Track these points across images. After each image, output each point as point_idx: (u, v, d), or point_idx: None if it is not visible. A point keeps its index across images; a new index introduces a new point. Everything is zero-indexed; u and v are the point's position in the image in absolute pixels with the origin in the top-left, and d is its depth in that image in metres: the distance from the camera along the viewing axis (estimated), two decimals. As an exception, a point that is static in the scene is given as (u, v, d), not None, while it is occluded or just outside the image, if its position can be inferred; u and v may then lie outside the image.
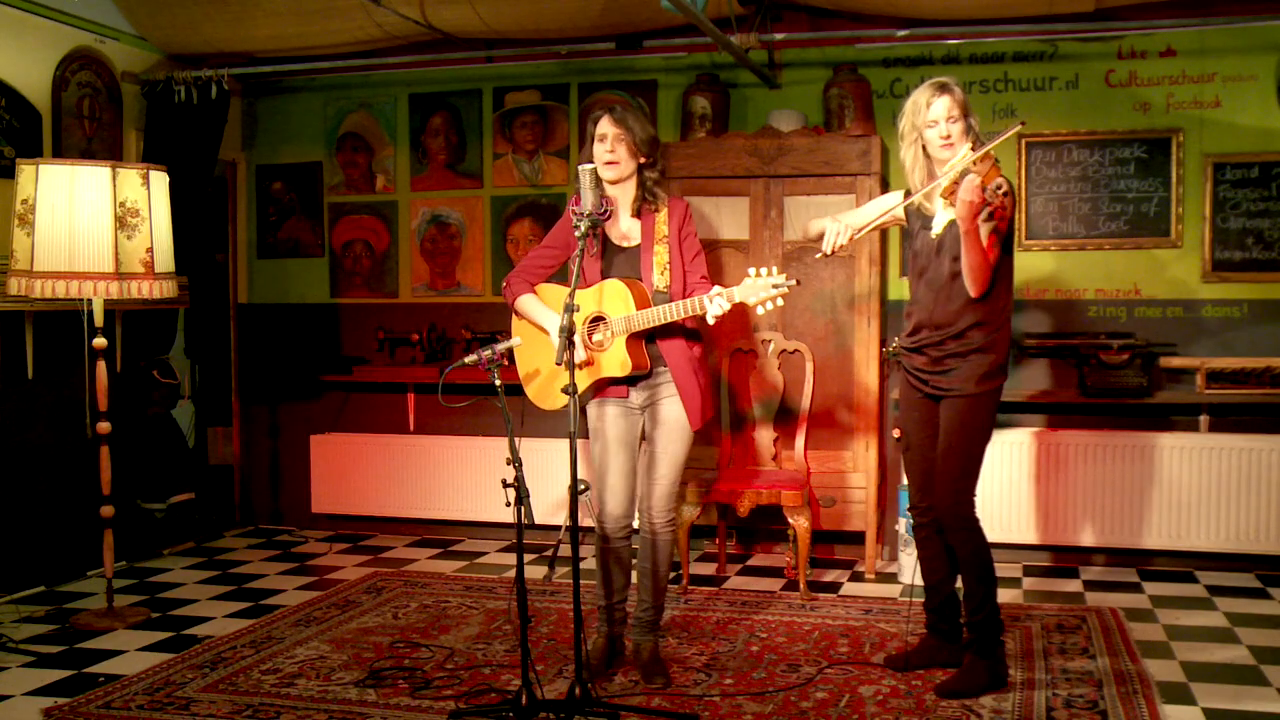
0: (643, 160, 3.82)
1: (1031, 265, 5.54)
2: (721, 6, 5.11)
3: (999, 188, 3.43)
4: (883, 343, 5.42)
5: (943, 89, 3.63)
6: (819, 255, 3.80)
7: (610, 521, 3.87)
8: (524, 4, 5.33)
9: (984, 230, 3.51)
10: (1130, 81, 5.44)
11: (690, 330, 3.83)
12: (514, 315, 3.97)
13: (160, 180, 4.71)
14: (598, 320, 3.74)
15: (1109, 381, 5.26)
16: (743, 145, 5.37)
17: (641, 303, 3.71)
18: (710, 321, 3.62)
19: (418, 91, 6.34)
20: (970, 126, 3.64)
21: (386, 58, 6.01)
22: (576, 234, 3.54)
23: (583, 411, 3.84)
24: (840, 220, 3.82)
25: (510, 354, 3.68)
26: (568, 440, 3.42)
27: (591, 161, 3.78)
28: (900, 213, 3.88)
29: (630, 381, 3.83)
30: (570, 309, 3.44)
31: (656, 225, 3.83)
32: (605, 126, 3.78)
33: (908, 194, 3.82)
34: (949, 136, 3.60)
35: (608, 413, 3.84)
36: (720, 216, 5.43)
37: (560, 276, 3.96)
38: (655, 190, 3.85)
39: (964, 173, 3.46)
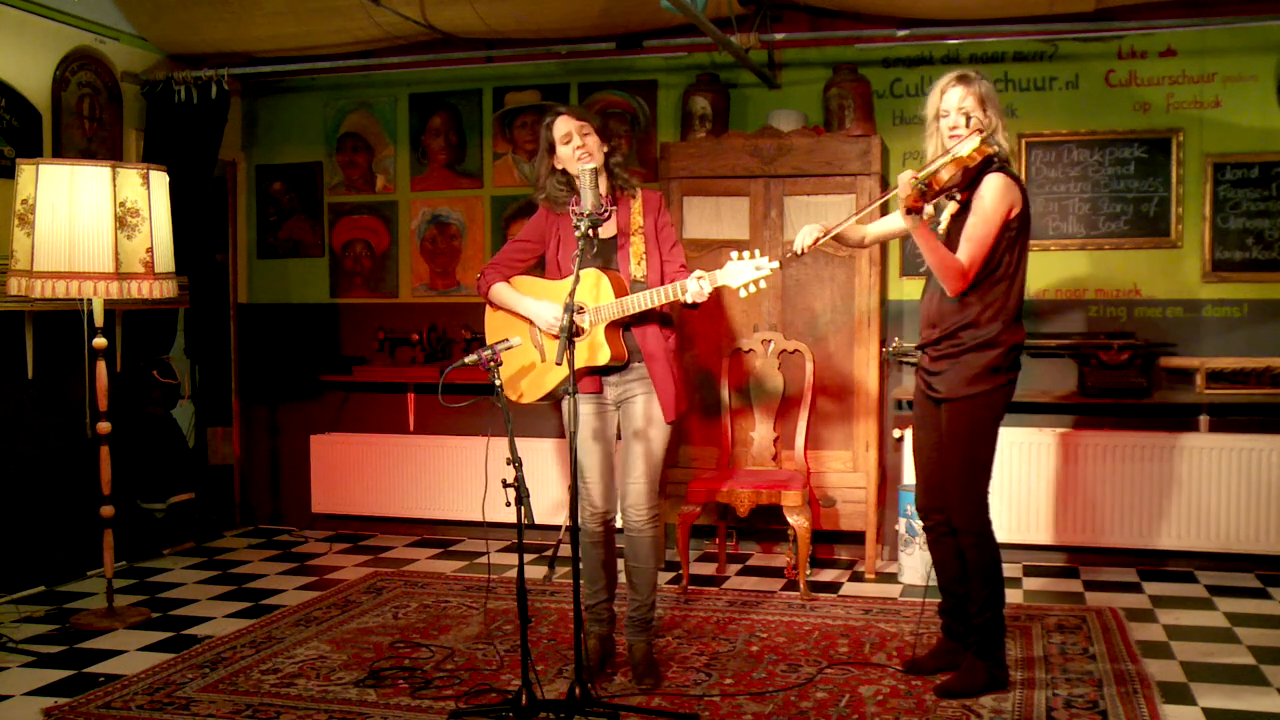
0: (606, 148, 3.84)
1: (1031, 265, 5.48)
2: (721, 6, 5.11)
3: (918, 183, 3.47)
4: (883, 343, 5.42)
5: (961, 80, 3.60)
6: (789, 255, 3.81)
7: (590, 516, 3.87)
8: (524, 4, 5.33)
9: (979, 230, 3.53)
10: (1130, 81, 5.44)
11: (665, 320, 3.85)
12: (488, 307, 3.98)
13: (160, 180, 4.71)
14: (577, 310, 3.74)
15: (1109, 381, 5.26)
16: (743, 145, 5.37)
17: (619, 292, 3.73)
18: (687, 300, 3.63)
19: (418, 91, 6.34)
20: (984, 121, 3.57)
21: (386, 58, 6.01)
22: (576, 234, 3.53)
23: (556, 405, 3.85)
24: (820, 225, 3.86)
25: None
26: (567, 440, 3.43)
27: (549, 175, 3.80)
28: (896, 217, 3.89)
29: (606, 372, 3.83)
30: (570, 309, 3.44)
31: (632, 217, 3.85)
32: (565, 124, 3.80)
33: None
34: (957, 128, 3.58)
35: (581, 409, 3.83)
36: (720, 216, 5.43)
37: (535, 270, 3.98)
38: (624, 175, 3.88)
39: (938, 170, 3.48)
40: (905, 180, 3.51)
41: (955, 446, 3.68)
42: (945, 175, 3.50)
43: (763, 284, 3.62)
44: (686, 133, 5.66)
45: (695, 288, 3.61)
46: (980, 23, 5.27)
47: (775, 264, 3.62)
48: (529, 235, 3.98)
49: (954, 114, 3.59)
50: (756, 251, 3.61)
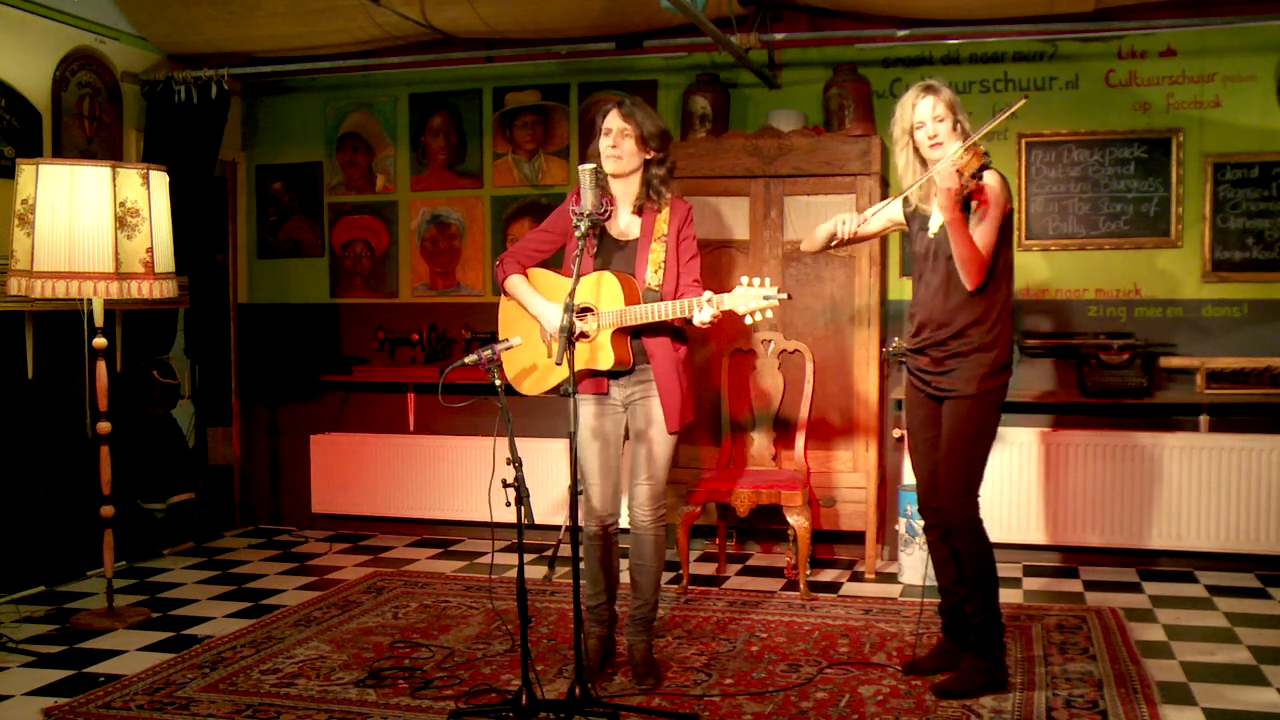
0: (649, 156, 3.80)
1: (1031, 265, 5.54)
2: (721, 6, 5.11)
3: (975, 175, 3.47)
4: (882, 343, 5.42)
5: (928, 90, 3.66)
6: (834, 244, 3.87)
7: (590, 518, 3.86)
8: (524, 4, 5.33)
9: (974, 222, 3.54)
10: (1130, 81, 5.44)
11: (676, 331, 3.82)
12: (503, 295, 3.97)
13: (160, 180, 4.71)
14: (586, 311, 3.73)
15: (1109, 381, 5.26)
16: (743, 145, 5.37)
17: (631, 299, 3.70)
18: (697, 324, 3.61)
19: (418, 91, 6.34)
20: (959, 125, 3.64)
21: (386, 58, 6.01)
22: (576, 234, 3.53)
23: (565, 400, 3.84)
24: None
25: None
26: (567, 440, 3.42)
27: (598, 157, 3.78)
28: (899, 217, 3.90)
29: (612, 376, 3.82)
30: (570, 309, 3.44)
31: (656, 224, 3.81)
32: (612, 120, 3.77)
33: (908, 200, 3.83)
34: (936, 136, 3.63)
35: (586, 409, 3.83)
36: (721, 216, 5.44)
37: (554, 263, 3.97)
38: (660, 189, 3.82)
39: (969, 158, 3.49)
40: (949, 170, 3.46)
41: (961, 441, 3.69)
42: (974, 165, 3.51)
43: (769, 314, 3.57)
44: (687, 133, 5.66)
45: (704, 313, 3.56)
46: (980, 23, 5.27)
47: (785, 295, 3.57)
48: (551, 227, 3.95)
49: (930, 124, 3.63)
50: (767, 280, 3.56)
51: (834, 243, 3.92)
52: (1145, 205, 5.45)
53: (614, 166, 3.77)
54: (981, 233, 3.59)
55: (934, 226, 3.69)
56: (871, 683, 3.83)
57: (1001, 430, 3.76)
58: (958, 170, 3.49)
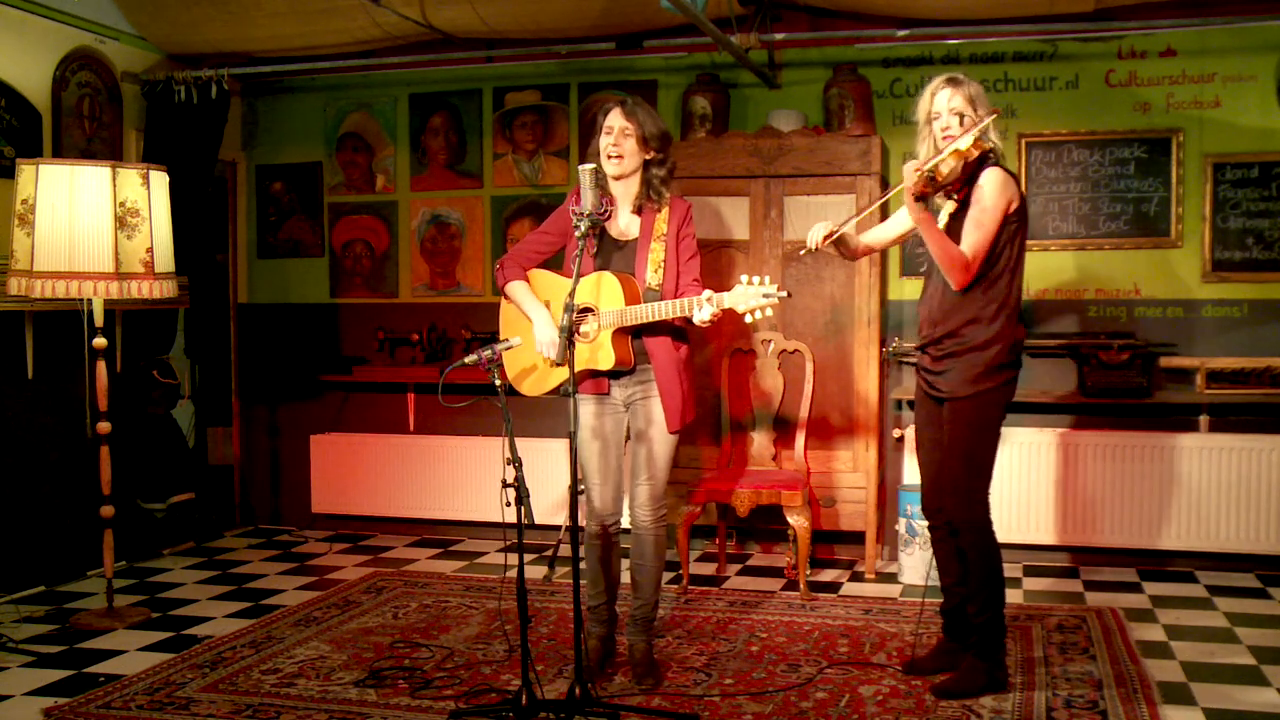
0: (650, 156, 3.80)
1: (1031, 265, 5.52)
2: (721, 6, 5.11)
3: (965, 174, 3.51)
4: (883, 343, 5.42)
5: (950, 82, 3.66)
6: (803, 252, 3.87)
7: (593, 518, 3.86)
8: (524, 4, 5.33)
9: (982, 223, 3.55)
10: (1130, 81, 5.44)
11: (678, 330, 3.81)
12: (503, 298, 3.97)
13: (160, 180, 4.71)
14: (586, 311, 3.73)
15: (1109, 381, 5.26)
16: (743, 145, 5.37)
17: (632, 298, 3.70)
18: (697, 323, 3.61)
19: (418, 91, 6.34)
20: (978, 119, 3.61)
21: (386, 58, 6.01)
22: (576, 234, 3.53)
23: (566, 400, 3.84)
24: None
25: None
26: (567, 440, 3.42)
27: (597, 155, 3.77)
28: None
29: (613, 376, 3.82)
30: (570, 309, 3.44)
31: (656, 223, 3.81)
32: (614, 119, 3.76)
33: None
34: (949, 129, 3.62)
35: (587, 409, 3.82)
36: (721, 216, 5.44)
37: (554, 264, 3.96)
38: (660, 189, 3.81)
39: (940, 161, 3.51)
40: (909, 170, 3.54)
41: (958, 444, 3.68)
42: (945, 169, 3.52)
43: (769, 312, 3.57)
44: (686, 133, 5.66)
45: (703, 312, 3.56)
46: (980, 23, 5.27)
47: (784, 293, 3.57)
48: (551, 228, 3.94)
49: (945, 115, 3.63)
50: (766, 278, 3.57)
51: (838, 249, 3.91)
52: (1145, 205, 5.45)
53: (615, 168, 3.77)
54: (968, 233, 3.58)
55: (940, 222, 3.69)
56: (871, 683, 3.83)
57: (1002, 430, 3.74)
58: (916, 169, 3.50)
